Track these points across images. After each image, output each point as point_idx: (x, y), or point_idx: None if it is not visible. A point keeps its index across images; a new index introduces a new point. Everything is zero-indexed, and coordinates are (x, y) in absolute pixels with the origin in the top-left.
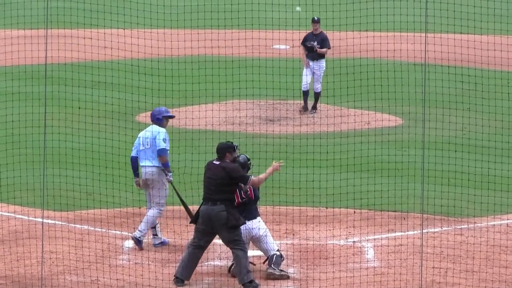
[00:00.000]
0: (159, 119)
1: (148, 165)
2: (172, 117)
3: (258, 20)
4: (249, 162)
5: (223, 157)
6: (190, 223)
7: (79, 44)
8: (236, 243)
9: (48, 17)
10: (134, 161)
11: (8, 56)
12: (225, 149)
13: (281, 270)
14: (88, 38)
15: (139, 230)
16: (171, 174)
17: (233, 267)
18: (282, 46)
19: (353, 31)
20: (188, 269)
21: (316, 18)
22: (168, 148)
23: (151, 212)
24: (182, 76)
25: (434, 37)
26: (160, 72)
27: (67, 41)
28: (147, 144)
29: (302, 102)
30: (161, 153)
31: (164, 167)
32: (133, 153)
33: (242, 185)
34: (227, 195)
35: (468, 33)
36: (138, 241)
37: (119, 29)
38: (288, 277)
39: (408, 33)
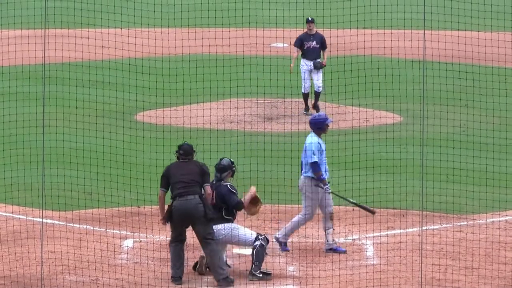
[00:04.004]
0: (320, 128)
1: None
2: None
3: (256, 18)
4: (233, 166)
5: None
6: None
7: (77, 44)
8: (210, 235)
9: (46, 17)
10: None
11: (6, 56)
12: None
13: (263, 273)
14: (86, 37)
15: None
16: (327, 186)
17: (198, 265)
18: (280, 44)
19: (350, 28)
20: (180, 266)
21: (310, 18)
22: (319, 159)
23: (296, 218)
24: (180, 75)
25: (432, 34)
26: (158, 71)
27: (65, 40)
28: (304, 154)
29: (304, 103)
30: (313, 168)
31: (319, 179)
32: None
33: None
34: (199, 189)
35: (466, 30)
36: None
37: (117, 28)
38: (270, 275)
39: (405, 30)
